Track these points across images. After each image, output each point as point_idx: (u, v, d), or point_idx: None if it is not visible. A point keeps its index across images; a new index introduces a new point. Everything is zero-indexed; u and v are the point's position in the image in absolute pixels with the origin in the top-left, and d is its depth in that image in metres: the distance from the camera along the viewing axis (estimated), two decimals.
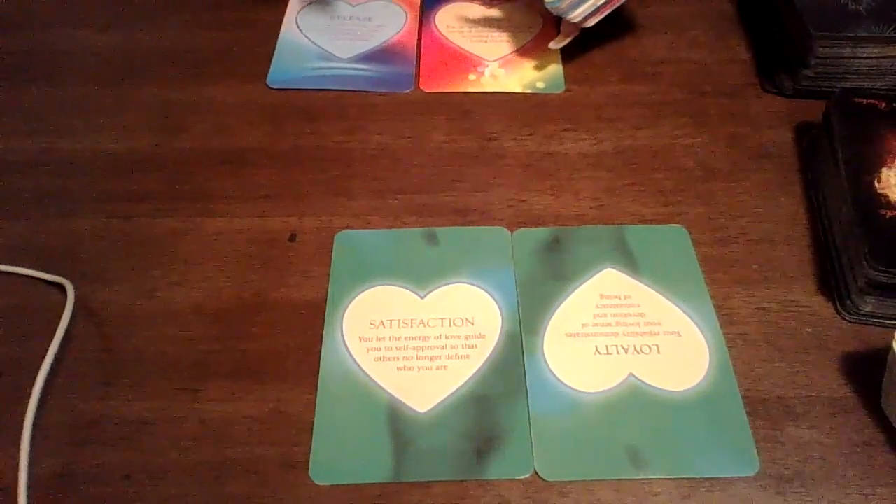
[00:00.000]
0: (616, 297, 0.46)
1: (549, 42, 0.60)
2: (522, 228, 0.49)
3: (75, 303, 0.45)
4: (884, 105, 0.50)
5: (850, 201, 0.46)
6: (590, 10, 0.56)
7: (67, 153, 0.54)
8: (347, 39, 0.63)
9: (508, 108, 0.57)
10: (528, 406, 0.41)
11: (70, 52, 0.62)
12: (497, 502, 0.38)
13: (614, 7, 0.57)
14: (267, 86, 0.59)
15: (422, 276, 0.47)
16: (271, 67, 0.60)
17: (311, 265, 0.47)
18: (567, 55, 0.61)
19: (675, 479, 0.39)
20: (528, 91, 0.59)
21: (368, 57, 0.61)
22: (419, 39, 0.63)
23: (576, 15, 0.56)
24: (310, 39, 0.63)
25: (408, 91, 0.58)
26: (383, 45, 0.62)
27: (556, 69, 0.60)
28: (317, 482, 0.39)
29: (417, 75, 0.60)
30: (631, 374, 0.42)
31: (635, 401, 0.41)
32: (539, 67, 0.60)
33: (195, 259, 0.48)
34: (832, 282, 0.46)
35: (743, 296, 0.46)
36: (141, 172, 0.53)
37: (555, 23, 0.63)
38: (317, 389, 0.42)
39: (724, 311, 0.45)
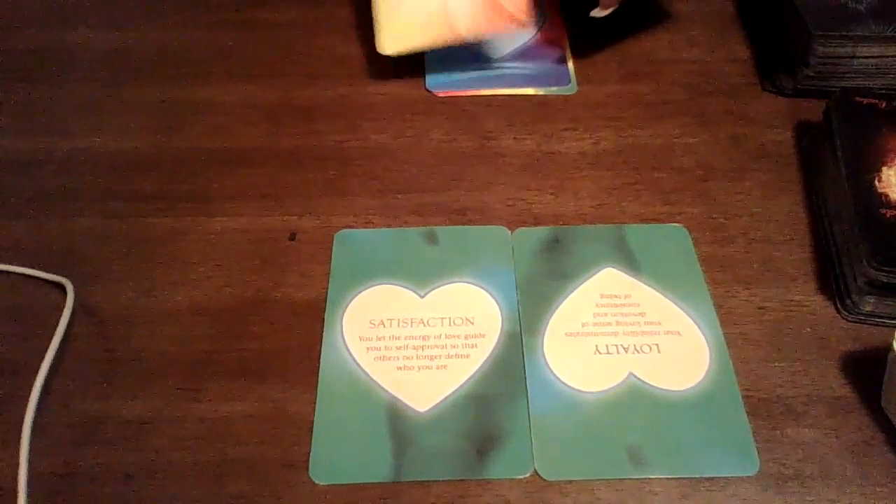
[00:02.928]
0: (616, 296, 0.46)
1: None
2: (522, 228, 0.49)
3: (75, 303, 0.45)
4: (884, 105, 0.50)
5: (850, 201, 0.46)
6: None
7: (67, 153, 0.54)
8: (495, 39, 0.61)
9: (508, 107, 0.57)
10: (528, 406, 0.41)
11: (70, 52, 0.62)
12: (497, 502, 0.38)
13: None
14: (427, 90, 0.58)
15: (422, 276, 0.47)
16: (427, 71, 0.59)
17: (311, 265, 0.47)
18: (567, 54, 0.61)
19: (675, 478, 0.39)
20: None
21: (519, 55, 0.60)
22: None
23: None
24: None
25: (567, 86, 0.58)
26: (531, 42, 0.61)
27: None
28: (317, 482, 0.39)
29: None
30: (631, 374, 0.42)
31: (635, 400, 0.41)
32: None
33: (195, 259, 0.48)
34: (832, 282, 0.46)
35: (743, 296, 0.46)
36: (141, 172, 0.53)
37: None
38: (317, 389, 0.42)
39: (724, 311, 0.45)
